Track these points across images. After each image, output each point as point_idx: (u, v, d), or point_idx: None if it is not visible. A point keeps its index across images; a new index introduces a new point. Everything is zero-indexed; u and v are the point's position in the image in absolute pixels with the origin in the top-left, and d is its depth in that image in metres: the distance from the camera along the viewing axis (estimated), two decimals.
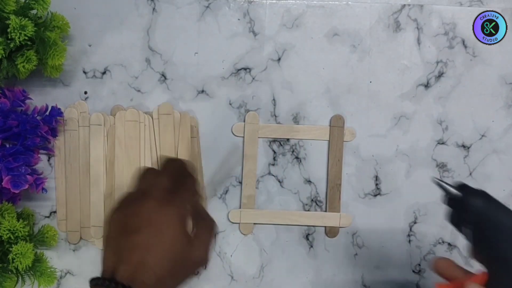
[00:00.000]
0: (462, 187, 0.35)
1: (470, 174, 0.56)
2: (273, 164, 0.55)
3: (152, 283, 0.37)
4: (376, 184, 0.56)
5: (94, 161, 0.54)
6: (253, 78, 0.55)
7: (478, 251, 0.35)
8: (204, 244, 0.42)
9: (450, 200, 0.36)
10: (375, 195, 0.56)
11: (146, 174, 0.43)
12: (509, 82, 0.55)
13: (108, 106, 0.55)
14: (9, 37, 0.45)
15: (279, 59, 0.55)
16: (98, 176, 0.54)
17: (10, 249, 0.47)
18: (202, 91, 0.55)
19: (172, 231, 0.39)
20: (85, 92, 0.54)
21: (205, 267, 0.41)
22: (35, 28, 0.45)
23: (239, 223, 0.55)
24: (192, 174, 0.43)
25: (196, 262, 0.40)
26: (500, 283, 0.33)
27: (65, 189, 0.54)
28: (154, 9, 0.54)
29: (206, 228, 0.42)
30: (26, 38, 0.45)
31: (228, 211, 0.55)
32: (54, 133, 0.52)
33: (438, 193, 0.55)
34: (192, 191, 0.42)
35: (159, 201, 0.39)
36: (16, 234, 0.47)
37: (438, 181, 0.36)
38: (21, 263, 0.46)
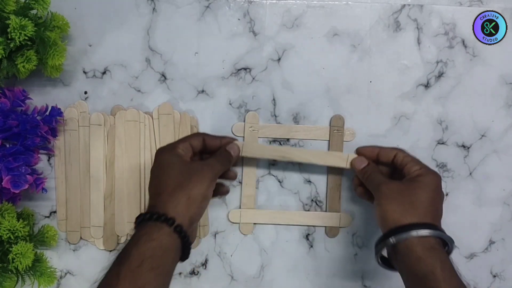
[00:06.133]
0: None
1: (470, 174, 0.56)
2: (273, 164, 0.55)
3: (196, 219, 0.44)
4: None
5: (94, 161, 0.54)
6: (253, 78, 0.55)
7: None
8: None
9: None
10: None
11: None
12: (509, 82, 0.55)
13: (108, 106, 0.55)
14: (9, 37, 0.45)
15: (279, 59, 0.55)
16: (98, 176, 0.54)
17: (10, 249, 0.47)
18: (202, 91, 0.55)
19: (206, 176, 0.45)
20: (85, 92, 0.54)
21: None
22: (35, 28, 0.45)
23: (239, 223, 0.55)
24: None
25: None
26: None
27: (65, 189, 0.54)
28: (154, 9, 0.54)
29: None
30: (26, 38, 0.45)
31: (228, 211, 0.55)
32: (54, 133, 0.52)
33: None
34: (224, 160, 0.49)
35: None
36: (16, 234, 0.47)
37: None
38: (21, 263, 0.46)
